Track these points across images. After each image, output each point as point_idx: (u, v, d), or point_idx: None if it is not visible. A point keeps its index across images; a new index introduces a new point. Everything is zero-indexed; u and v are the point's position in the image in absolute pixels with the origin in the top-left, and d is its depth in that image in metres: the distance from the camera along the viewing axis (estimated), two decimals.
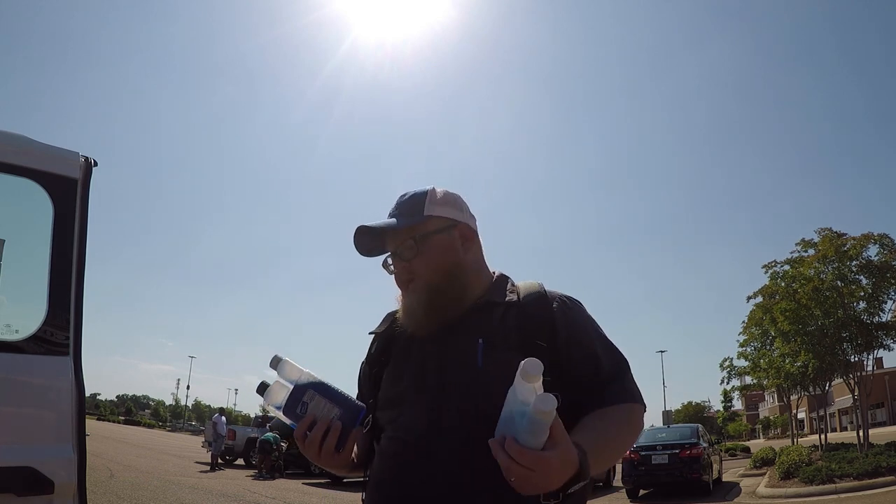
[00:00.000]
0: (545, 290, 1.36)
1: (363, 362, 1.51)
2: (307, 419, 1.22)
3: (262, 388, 1.29)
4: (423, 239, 1.35)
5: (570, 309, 1.34)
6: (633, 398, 1.29)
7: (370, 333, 1.50)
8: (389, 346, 1.42)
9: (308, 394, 1.25)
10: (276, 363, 1.29)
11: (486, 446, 1.03)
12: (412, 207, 1.38)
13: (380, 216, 1.42)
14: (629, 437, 1.26)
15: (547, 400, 0.92)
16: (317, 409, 1.24)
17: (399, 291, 1.42)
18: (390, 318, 1.48)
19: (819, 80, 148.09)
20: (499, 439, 1.00)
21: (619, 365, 1.32)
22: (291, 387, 1.26)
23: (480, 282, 1.39)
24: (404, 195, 1.41)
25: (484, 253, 1.45)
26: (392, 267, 1.40)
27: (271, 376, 1.30)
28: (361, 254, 1.41)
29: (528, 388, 0.97)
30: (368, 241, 1.40)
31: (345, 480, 15.24)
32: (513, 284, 1.40)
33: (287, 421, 1.27)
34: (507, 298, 1.35)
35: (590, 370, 1.28)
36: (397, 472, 1.25)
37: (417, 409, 1.27)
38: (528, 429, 0.95)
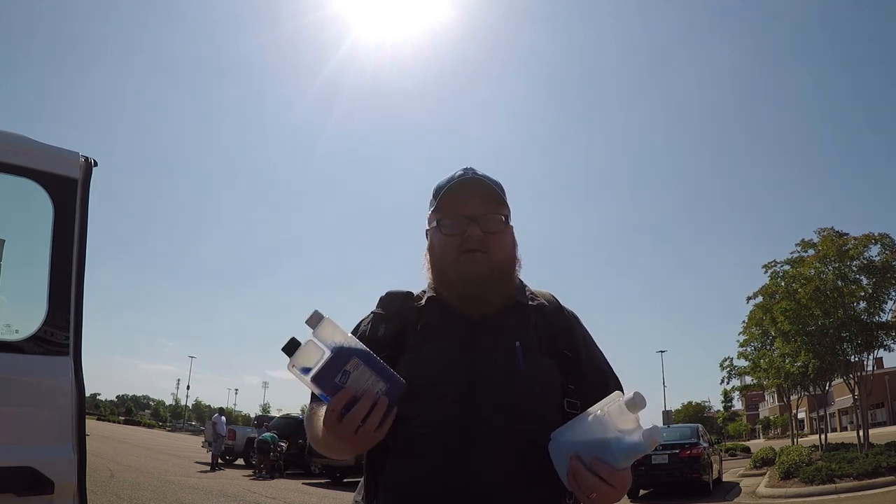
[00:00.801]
0: (559, 302, 1.43)
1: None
2: (348, 391, 1.05)
3: (293, 347, 1.07)
4: (508, 221, 1.35)
5: (582, 325, 1.44)
6: None
7: (373, 313, 1.40)
8: (403, 332, 1.34)
9: (353, 362, 1.07)
10: (316, 320, 1.08)
11: (526, 447, 1.14)
12: (500, 188, 1.35)
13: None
14: None
15: (659, 433, 1.02)
16: (360, 380, 1.06)
17: (435, 260, 1.34)
18: (396, 299, 1.40)
19: (818, 80, 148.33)
20: (583, 459, 1.06)
21: (618, 386, 1.41)
22: (329, 351, 1.07)
23: (515, 282, 1.40)
24: (477, 170, 1.34)
25: None
26: (456, 228, 1.30)
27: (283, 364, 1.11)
28: (443, 202, 1.31)
29: (631, 417, 1.05)
30: (466, 192, 1.30)
31: (345, 481, 15.25)
32: (530, 290, 1.43)
33: (315, 389, 1.09)
34: (531, 302, 1.38)
35: (600, 385, 1.35)
36: (433, 469, 1.19)
37: (452, 405, 1.21)
38: (625, 454, 1.03)
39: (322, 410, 1.20)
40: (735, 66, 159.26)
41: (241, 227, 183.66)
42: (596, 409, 1.11)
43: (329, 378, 1.06)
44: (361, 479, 1.36)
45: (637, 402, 1.04)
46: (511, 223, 1.38)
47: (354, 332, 1.39)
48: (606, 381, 1.38)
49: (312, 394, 1.34)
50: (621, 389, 1.41)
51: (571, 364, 1.31)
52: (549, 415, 1.24)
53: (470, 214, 1.29)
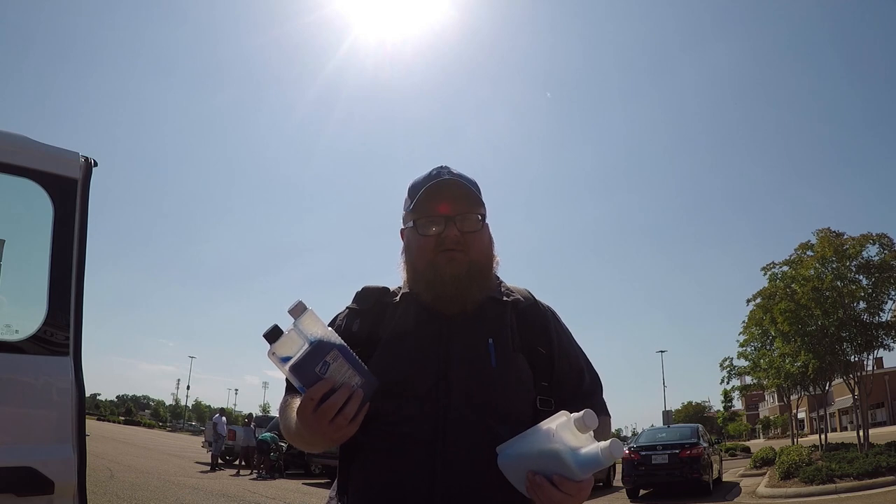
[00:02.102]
0: (535, 298, 1.42)
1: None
2: (327, 382, 1.07)
3: (275, 334, 1.09)
4: (484, 220, 1.34)
5: (559, 321, 1.43)
6: (607, 412, 1.42)
7: (348, 308, 1.39)
8: (378, 328, 1.33)
9: (332, 353, 1.09)
10: (300, 311, 1.10)
11: (497, 444, 1.13)
12: (475, 186, 1.34)
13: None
14: None
15: (620, 448, 1.02)
16: (338, 372, 1.09)
17: (415, 258, 1.32)
18: (372, 295, 1.39)
19: (816, 81, 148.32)
20: (545, 477, 1.05)
21: (597, 381, 1.43)
22: (310, 342, 1.09)
23: (493, 279, 1.40)
24: (452, 169, 1.33)
25: None
26: (432, 228, 1.29)
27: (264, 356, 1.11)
28: (418, 203, 1.29)
29: (583, 437, 1.05)
30: (441, 194, 1.29)
31: None
32: (506, 286, 1.43)
33: (293, 379, 1.09)
34: (506, 298, 1.37)
35: (575, 382, 1.37)
36: (408, 466, 1.19)
37: (426, 402, 1.21)
38: (584, 468, 1.04)
39: (297, 402, 1.21)
40: (733, 67, 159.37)
41: (241, 227, 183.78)
42: (544, 425, 1.10)
43: (309, 368, 1.07)
44: (336, 477, 1.34)
45: (587, 423, 1.04)
46: (487, 221, 1.36)
47: (330, 326, 1.39)
48: (580, 378, 1.38)
49: (287, 386, 1.36)
50: (599, 385, 1.43)
51: (544, 360, 1.31)
52: (522, 413, 1.24)
53: (447, 214, 1.28)
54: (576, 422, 1.05)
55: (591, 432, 1.06)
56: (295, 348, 1.09)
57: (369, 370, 1.16)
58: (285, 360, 1.09)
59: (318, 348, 1.08)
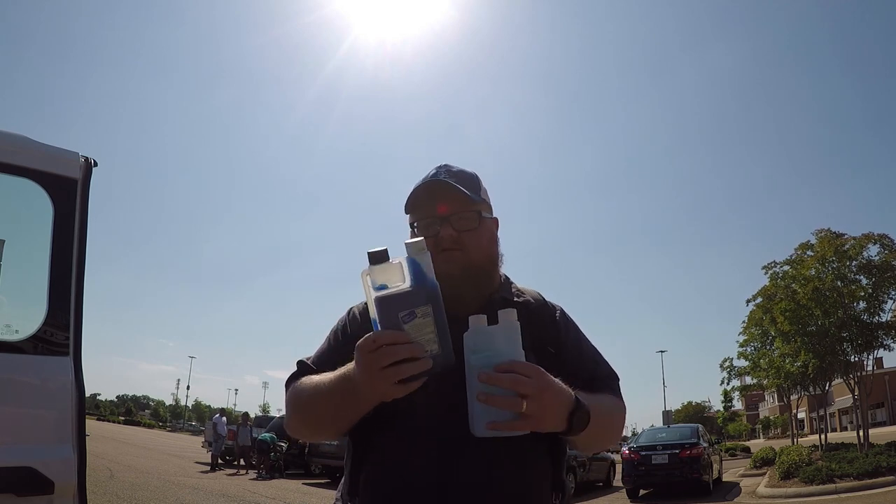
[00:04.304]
0: (545, 298, 1.43)
1: (340, 332, 1.39)
2: (404, 335, 0.99)
3: (382, 256, 1.00)
4: (483, 218, 1.33)
5: (569, 322, 1.43)
6: (622, 400, 1.39)
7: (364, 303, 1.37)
8: None
9: (425, 309, 1.00)
10: (385, 256, 1.00)
11: (512, 443, 1.11)
12: (472, 183, 1.34)
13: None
14: (617, 422, 1.33)
15: (512, 312, 1.06)
16: (419, 329, 0.99)
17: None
18: None
19: (816, 82, 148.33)
20: (490, 371, 1.04)
21: (612, 374, 1.42)
22: (411, 282, 1.00)
23: (497, 278, 1.40)
24: (451, 167, 1.35)
25: None
26: (430, 230, 1.29)
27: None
28: (412, 205, 1.31)
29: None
30: (432, 195, 1.30)
31: None
32: (517, 286, 1.43)
33: (374, 310, 1.00)
34: (517, 299, 1.37)
35: (589, 369, 1.37)
36: (421, 465, 1.18)
37: (438, 400, 1.19)
38: (506, 350, 1.05)
39: (322, 376, 1.22)
40: (732, 68, 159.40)
41: (241, 227, 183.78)
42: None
43: (395, 308, 0.99)
44: (344, 476, 1.33)
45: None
46: (489, 217, 1.36)
47: (346, 318, 1.41)
48: (592, 377, 1.36)
49: (297, 371, 1.35)
50: (615, 379, 1.42)
51: (554, 360, 1.30)
52: None
53: (442, 215, 1.29)
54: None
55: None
56: (395, 279, 1.00)
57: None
58: (382, 288, 1.00)
59: (415, 294, 0.99)
